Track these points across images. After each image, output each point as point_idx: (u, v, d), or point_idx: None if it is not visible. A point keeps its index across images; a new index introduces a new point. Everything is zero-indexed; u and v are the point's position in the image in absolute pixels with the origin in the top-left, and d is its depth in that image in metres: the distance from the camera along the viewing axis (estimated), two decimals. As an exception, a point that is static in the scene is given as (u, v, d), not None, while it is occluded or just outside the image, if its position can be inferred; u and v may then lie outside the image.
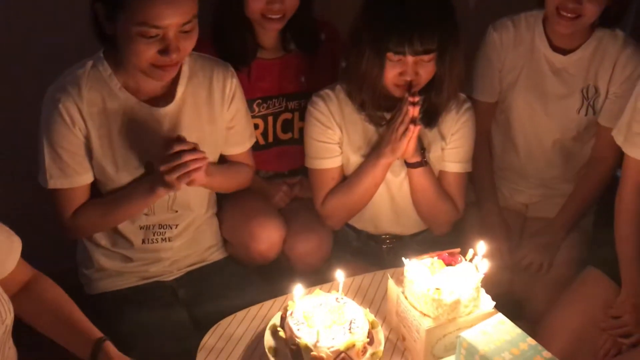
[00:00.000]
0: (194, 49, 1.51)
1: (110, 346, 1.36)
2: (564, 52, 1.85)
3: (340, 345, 1.19)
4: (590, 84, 1.85)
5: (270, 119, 1.90)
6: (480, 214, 1.98)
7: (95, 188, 1.58)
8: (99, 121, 1.49)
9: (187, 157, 1.41)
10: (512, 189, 2.03)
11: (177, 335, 1.55)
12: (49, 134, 1.48)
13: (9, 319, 1.20)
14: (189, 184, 1.45)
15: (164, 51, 1.39)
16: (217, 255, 1.75)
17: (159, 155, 1.44)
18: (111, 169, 1.52)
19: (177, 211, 1.62)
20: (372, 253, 1.83)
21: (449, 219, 1.76)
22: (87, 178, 1.53)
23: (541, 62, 1.87)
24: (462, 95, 1.73)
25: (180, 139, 1.43)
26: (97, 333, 1.37)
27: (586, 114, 1.87)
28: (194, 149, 1.43)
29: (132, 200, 1.53)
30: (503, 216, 1.98)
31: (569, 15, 1.72)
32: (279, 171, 1.97)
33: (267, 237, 1.74)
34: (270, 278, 1.74)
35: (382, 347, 1.27)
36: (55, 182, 1.50)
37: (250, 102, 1.82)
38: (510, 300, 1.80)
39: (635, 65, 1.80)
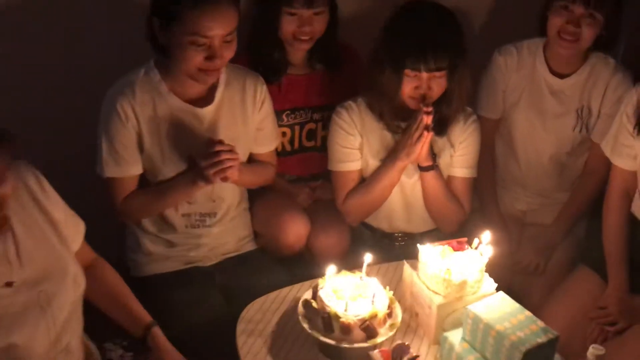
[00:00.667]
0: (232, 62, 1.75)
1: (158, 331, 1.55)
2: (562, 76, 2.06)
3: (365, 314, 1.40)
4: (585, 105, 2.06)
5: (296, 128, 2.11)
6: (483, 219, 2.18)
7: (143, 179, 1.80)
8: (149, 119, 1.71)
9: (224, 156, 1.63)
10: (513, 197, 2.23)
11: (214, 315, 1.75)
12: (107, 130, 1.70)
13: (83, 286, 1.40)
14: (224, 179, 1.67)
15: (210, 57, 1.62)
16: (249, 245, 1.96)
17: (200, 151, 1.66)
18: (158, 160, 1.74)
19: (214, 201, 1.84)
20: (386, 249, 2.01)
21: (457, 218, 1.97)
22: (137, 169, 1.75)
23: (541, 84, 2.08)
24: (469, 109, 1.95)
25: (220, 142, 1.66)
26: (148, 317, 1.56)
27: (580, 131, 2.08)
28: (231, 150, 1.66)
29: (175, 190, 1.75)
30: (504, 221, 2.18)
31: (569, 38, 1.92)
32: (302, 175, 2.17)
33: (294, 230, 1.94)
34: (294, 269, 1.94)
35: (399, 319, 1.47)
36: (110, 171, 1.72)
37: (280, 112, 2.04)
38: (510, 296, 2.00)
39: (625, 88, 1.99)
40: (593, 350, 1.40)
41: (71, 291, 1.35)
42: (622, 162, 1.85)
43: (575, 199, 2.15)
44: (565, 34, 1.93)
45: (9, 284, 1.23)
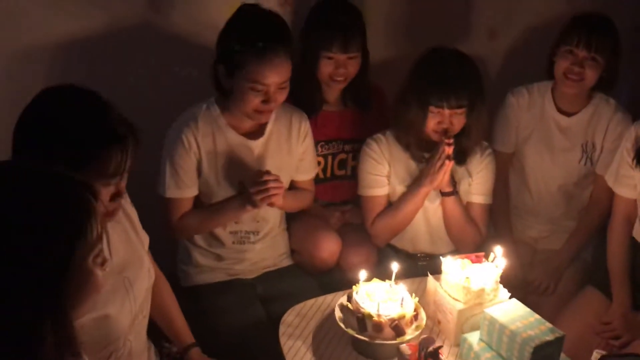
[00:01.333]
0: None
1: (196, 352, 1.74)
2: (568, 114, 2.30)
3: (394, 315, 1.60)
4: (589, 140, 2.29)
5: (329, 157, 2.35)
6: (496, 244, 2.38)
7: (197, 200, 2.03)
8: (208, 148, 1.95)
9: (271, 185, 1.87)
10: (525, 225, 2.43)
11: (254, 320, 1.96)
12: (172, 156, 1.94)
13: (153, 278, 1.62)
14: (270, 205, 1.91)
15: (266, 101, 1.87)
16: (286, 261, 2.18)
17: (250, 179, 1.90)
18: (214, 183, 1.97)
19: (258, 222, 2.07)
20: (409, 269, 2.22)
21: (474, 241, 2.17)
22: (194, 191, 1.98)
23: (549, 122, 2.31)
24: (485, 143, 2.18)
25: (268, 172, 1.89)
26: (189, 339, 1.76)
27: (585, 164, 2.31)
28: (276, 179, 1.89)
29: (226, 211, 1.98)
30: (515, 247, 2.34)
31: (574, 78, 2.17)
32: (334, 201, 2.40)
33: (328, 247, 2.16)
34: (326, 283, 2.14)
35: (424, 322, 1.67)
36: (171, 192, 1.95)
37: (315, 143, 2.28)
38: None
39: (624, 126, 2.22)
40: (596, 354, 1.59)
41: (146, 280, 1.58)
42: (624, 191, 2.07)
43: (583, 226, 2.35)
44: (571, 74, 2.17)
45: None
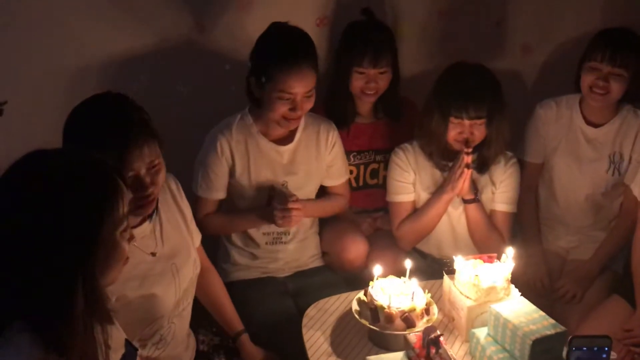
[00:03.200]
0: (311, 111, 2.17)
1: (245, 338, 1.96)
2: (596, 125, 2.35)
3: (405, 307, 1.71)
4: (617, 151, 2.33)
5: (362, 167, 2.50)
6: (526, 254, 2.43)
7: (230, 202, 2.21)
8: (242, 153, 2.14)
9: (294, 213, 2.07)
10: (555, 235, 2.48)
11: (286, 316, 2.10)
12: (205, 160, 2.14)
13: (198, 269, 1.82)
14: (292, 224, 2.10)
15: (293, 109, 2.04)
16: (317, 262, 2.33)
17: (278, 196, 2.10)
18: (246, 184, 2.16)
19: None
20: (435, 274, 2.31)
21: (497, 247, 2.21)
22: (221, 195, 2.18)
23: (577, 133, 2.37)
24: (509, 153, 2.26)
25: (293, 196, 2.09)
26: (239, 326, 1.98)
27: (612, 174, 2.34)
28: (299, 208, 2.08)
29: (249, 220, 2.19)
30: (545, 257, 2.43)
31: (599, 92, 2.23)
32: (366, 208, 2.54)
33: (355, 248, 2.29)
34: (353, 283, 2.26)
35: (435, 317, 1.77)
36: (201, 192, 2.16)
37: (348, 153, 2.43)
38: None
39: None
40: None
41: (192, 269, 1.79)
42: None
43: (612, 237, 2.38)
44: (596, 88, 2.23)
45: (153, 254, 1.68)
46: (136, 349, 1.36)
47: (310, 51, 2.05)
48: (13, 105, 2.18)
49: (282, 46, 2.02)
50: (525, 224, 2.46)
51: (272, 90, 2.02)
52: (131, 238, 1.23)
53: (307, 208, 2.18)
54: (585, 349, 1.51)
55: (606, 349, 1.51)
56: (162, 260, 1.69)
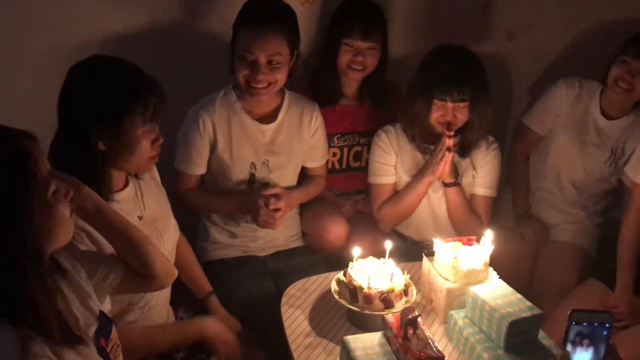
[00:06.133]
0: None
1: (214, 299, 1.96)
2: (609, 118, 2.36)
3: (384, 288, 1.72)
4: (620, 146, 2.36)
5: (345, 149, 2.49)
6: (514, 209, 2.49)
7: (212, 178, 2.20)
8: (224, 129, 2.13)
9: (278, 218, 2.08)
10: (535, 210, 2.50)
11: (265, 295, 2.11)
12: (187, 135, 2.13)
13: (178, 233, 1.84)
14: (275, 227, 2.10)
15: (253, 71, 2.01)
16: (297, 242, 2.33)
17: (265, 196, 2.10)
18: (228, 161, 2.15)
19: None
20: (414, 256, 2.32)
21: (476, 231, 2.22)
22: (202, 170, 2.17)
23: (589, 119, 2.39)
24: (491, 138, 2.27)
25: (279, 208, 2.08)
26: (208, 287, 1.98)
27: (610, 166, 2.38)
28: (278, 195, 2.09)
29: (227, 207, 2.20)
30: (531, 214, 2.48)
31: (624, 86, 2.24)
32: (348, 190, 2.54)
33: (335, 229, 2.29)
34: (334, 264, 2.26)
35: (414, 298, 1.78)
36: (182, 166, 2.15)
37: (332, 135, 2.43)
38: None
39: None
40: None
41: (172, 233, 1.81)
42: None
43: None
44: (622, 82, 2.23)
45: (140, 217, 1.70)
46: (111, 320, 1.35)
47: (282, 18, 2.04)
48: (7, 85, 2.20)
49: (253, 9, 2.04)
50: (515, 183, 2.51)
51: (237, 51, 2.03)
52: (67, 193, 1.21)
53: (293, 198, 2.20)
54: (585, 324, 1.44)
55: (607, 325, 1.43)
56: (147, 225, 1.69)
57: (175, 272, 1.65)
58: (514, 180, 2.54)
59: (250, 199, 2.12)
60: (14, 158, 1.14)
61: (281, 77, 2.07)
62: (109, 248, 1.52)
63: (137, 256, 1.49)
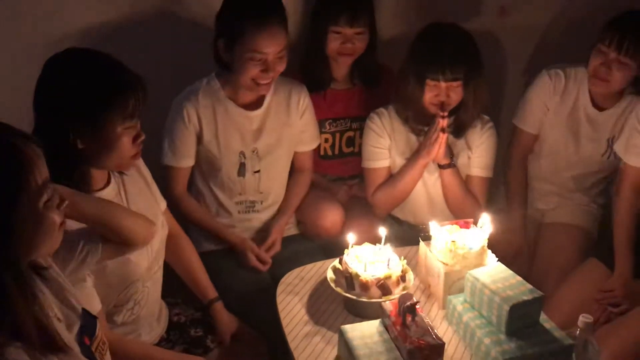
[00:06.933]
0: (286, 76, 2.09)
1: (219, 305, 1.92)
2: (601, 108, 2.28)
3: (380, 275, 1.68)
4: (615, 135, 2.27)
5: (337, 135, 2.44)
6: (507, 219, 2.36)
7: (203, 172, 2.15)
8: (209, 119, 2.07)
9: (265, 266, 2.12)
10: (533, 197, 2.45)
11: (260, 284, 2.08)
12: (172, 128, 2.07)
13: (167, 230, 1.78)
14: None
15: (264, 70, 1.97)
16: (292, 230, 2.29)
17: (255, 247, 2.14)
18: (216, 152, 2.10)
19: (262, 192, 2.18)
20: (411, 240, 2.29)
21: (472, 213, 2.19)
22: (189, 162, 2.12)
23: (580, 112, 2.30)
24: (486, 117, 2.22)
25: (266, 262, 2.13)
26: (213, 294, 1.93)
27: (608, 158, 2.31)
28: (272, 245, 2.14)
29: (219, 236, 2.16)
30: (525, 225, 2.41)
31: (601, 78, 2.15)
32: (342, 175, 2.49)
33: (330, 216, 2.25)
34: (330, 252, 2.22)
35: (411, 284, 1.74)
36: (168, 160, 2.09)
37: (323, 121, 2.37)
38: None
39: None
40: (583, 318, 1.63)
41: (160, 230, 1.75)
42: (633, 160, 2.09)
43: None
44: (599, 73, 2.15)
45: None
46: (95, 317, 1.30)
47: (280, 8, 1.98)
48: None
49: (251, 4, 1.95)
50: (512, 194, 2.44)
51: (242, 51, 1.95)
52: (61, 202, 1.16)
53: (288, 215, 2.21)
54: None
55: None
56: None
57: (154, 228, 1.63)
58: (510, 189, 2.43)
59: (240, 246, 2.12)
60: (9, 163, 1.08)
61: (284, 67, 2.02)
62: (75, 224, 1.46)
63: (113, 233, 1.47)
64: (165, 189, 2.09)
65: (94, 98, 1.45)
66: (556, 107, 2.33)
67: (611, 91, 2.21)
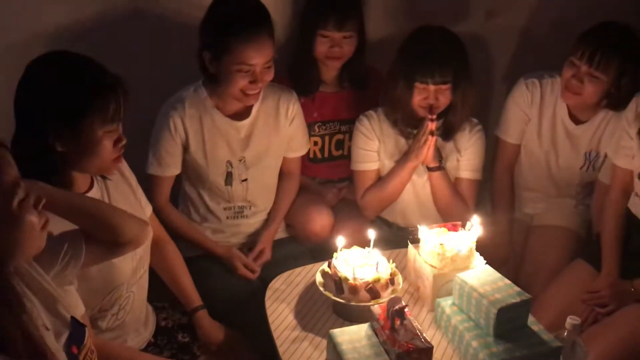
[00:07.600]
0: (276, 81, 2.08)
1: (202, 314, 1.89)
2: (577, 121, 2.26)
3: (369, 278, 1.68)
4: (593, 149, 2.28)
5: (327, 138, 2.43)
6: (493, 223, 2.36)
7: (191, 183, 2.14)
8: (195, 129, 2.05)
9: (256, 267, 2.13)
10: (520, 202, 2.46)
11: (250, 289, 2.07)
12: (157, 137, 2.05)
13: (151, 235, 1.75)
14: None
15: (253, 82, 1.95)
16: (281, 234, 2.28)
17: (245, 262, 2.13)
18: (202, 162, 2.08)
19: (250, 200, 2.17)
20: (400, 243, 2.28)
21: (462, 216, 2.19)
22: (174, 171, 2.10)
23: (558, 125, 2.29)
24: (475, 120, 2.23)
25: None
26: (197, 301, 1.91)
27: (587, 171, 2.32)
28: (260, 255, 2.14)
29: (203, 247, 2.14)
30: (510, 232, 2.41)
31: (572, 91, 2.13)
32: (331, 178, 2.49)
33: (320, 220, 2.24)
34: (319, 255, 2.22)
35: (400, 287, 1.74)
36: (153, 169, 2.07)
37: (312, 123, 2.37)
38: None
39: None
40: (570, 320, 1.63)
41: None
42: (622, 162, 2.09)
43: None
44: (571, 86, 2.13)
45: None
46: (84, 326, 1.29)
47: (267, 19, 1.96)
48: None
49: (238, 15, 1.92)
50: (497, 201, 2.43)
51: (229, 63, 1.92)
52: (38, 201, 1.13)
53: (278, 221, 2.21)
54: None
55: None
56: None
57: (150, 229, 1.61)
58: (495, 197, 2.42)
59: (226, 256, 2.11)
60: None
61: (271, 76, 2.01)
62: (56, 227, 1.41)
63: (102, 228, 1.42)
64: (149, 197, 2.05)
65: (73, 101, 1.43)
66: (535, 118, 2.32)
67: (583, 104, 2.20)
